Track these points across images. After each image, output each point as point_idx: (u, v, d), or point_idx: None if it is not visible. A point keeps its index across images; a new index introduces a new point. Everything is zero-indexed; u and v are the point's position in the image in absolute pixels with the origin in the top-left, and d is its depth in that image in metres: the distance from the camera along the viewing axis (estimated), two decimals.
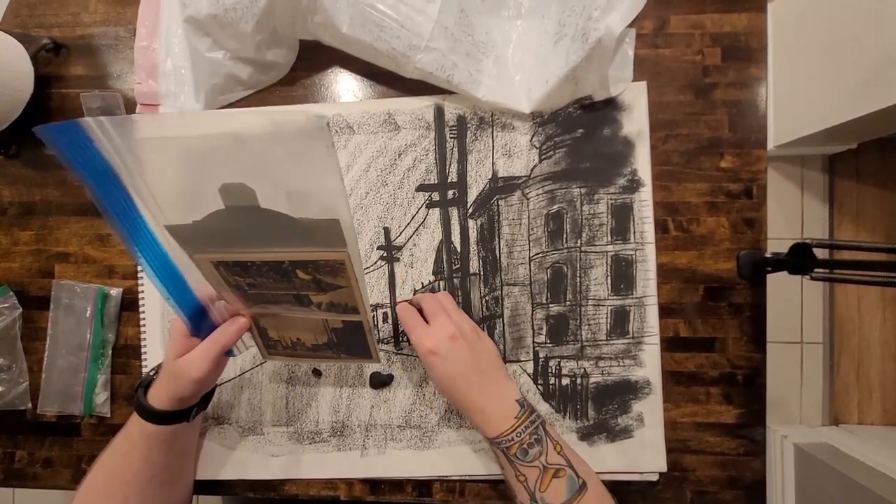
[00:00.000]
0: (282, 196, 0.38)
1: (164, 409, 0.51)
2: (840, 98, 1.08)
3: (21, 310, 0.67)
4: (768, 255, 0.57)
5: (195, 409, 0.53)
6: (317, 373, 0.63)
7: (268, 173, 0.37)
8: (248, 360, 0.64)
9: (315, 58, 0.65)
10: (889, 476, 1.03)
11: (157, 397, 0.51)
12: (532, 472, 0.49)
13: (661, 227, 0.61)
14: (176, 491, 0.58)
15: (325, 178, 0.36)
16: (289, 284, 0.45)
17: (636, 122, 0.60)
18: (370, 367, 0.63)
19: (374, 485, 0.63)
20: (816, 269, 0.52)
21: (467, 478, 0.61)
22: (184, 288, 0.46)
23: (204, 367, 0.48)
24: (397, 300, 0.62)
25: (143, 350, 0.65)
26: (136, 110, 0.65)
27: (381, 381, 0.63)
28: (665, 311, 0.60)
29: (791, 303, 1.41)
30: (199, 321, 0.49)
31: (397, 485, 0.62)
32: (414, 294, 0.63)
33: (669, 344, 0.60)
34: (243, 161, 0.37)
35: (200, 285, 0.47)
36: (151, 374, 0.54)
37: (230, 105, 0.65)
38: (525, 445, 0.49)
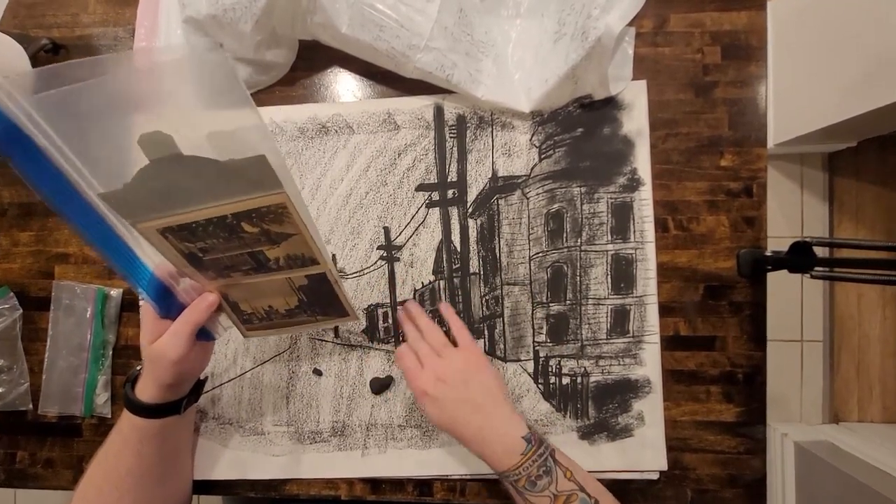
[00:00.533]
0: (202, 140, 0.37)
1: (153, 403, 0.50)
2: (840, 96, 1.08)
3: (21, 311, 0.67)
4: (768, 253, 0.57)
5: (185, 402, 0.53)
6: (317, 372, 0.63)
7: (182, 116, 0.36)
8: (249, 359, 0.64)
9: (315, 58, 0.65)
10: (889, 474, 1.03)
11: (144, 390, 0.50)
12: (542, 500, 0.48)
13: (661, 226, 0.61)
14: (171, 488, 0.58)
15: (238, 112, 0.36)
16: (239, 242, 0.44)
17: (636, 121, 0.60)
18: (371, 371, 0.63)
19: (375, 484, 0.63)
20: (816, 268, 0.52)
21: (468, 477, 0.61)
22: (140, 267, 0.45)
23: (179, 347, 0.47)
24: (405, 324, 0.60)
25: None
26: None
27: (381, 385, 0.63)
28: (665, 310, 0.60)
29: (791, 301, 1.41)
30: (167, 302, 0.48)
31: (398, 484, 0.62)
32: (414, 294, 0.63)
33: (670, 342, 0.61)
34: (154, 108, 0.36)
35: (159, 263, 0.46)
36: (138, 368, 0.53)
37: None
38: (533, 478, 0.48)
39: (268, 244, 0.45)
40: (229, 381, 0.64)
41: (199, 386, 0.56)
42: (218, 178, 0.38)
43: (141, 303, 0.49)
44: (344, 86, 0.65)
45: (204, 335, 0.51)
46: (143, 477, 0.53)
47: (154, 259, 0.45)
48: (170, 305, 0.48)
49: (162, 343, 0.48)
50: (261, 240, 0.44)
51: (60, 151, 0.38)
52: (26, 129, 0.36)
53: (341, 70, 0.65)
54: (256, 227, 0.42)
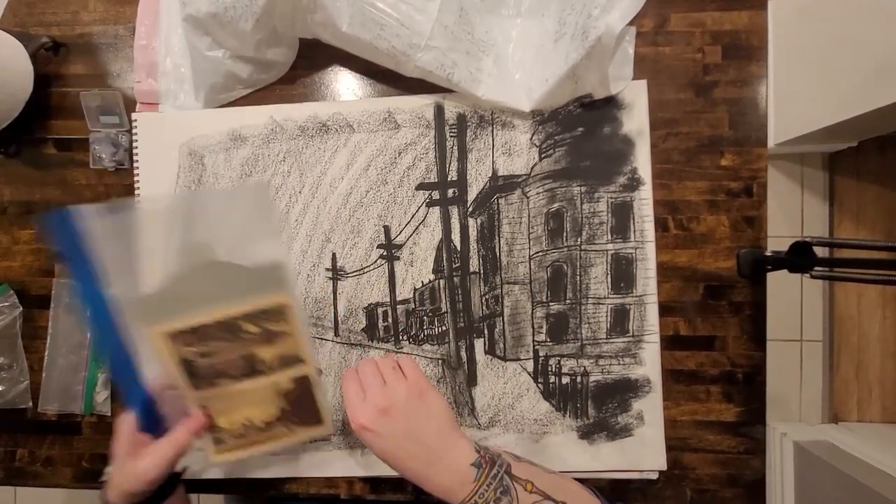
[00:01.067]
0: (235, 249, 0.45)
1: None
2: (840, 96, 1.07)
3: (21, 309, 0.67)
4: (768, 253, 0.57)
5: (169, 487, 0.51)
6: (318, 372, 0.63)
7: (223, 231, 0.45)
8: None
9: (315, 56, 0.65)
10: (888, 474, 1.03)
11: (115, 495, 0.48)
12: None
13: (661, 226, 0.61)
14: None
15: (265, 227, 0.45)
16: (238, 343, 0.48)
17: (636, 121, 0.60)
18: None
19: (374, 483, 0.63)
20: (816, 268, 0.52)
21: None
22: (136, 379, 0.48)
23: (161, 469, 0.47)
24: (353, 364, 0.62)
25: None
26: (136, 109, 0.65)
27: None
28: (665, 310, 0.60)
29: (791, 301, 1.41)
30: (149, 417, 0.50)
31: (398, 483, 0.62)
32: (413, 293, 0.63)
33: (669, 342, 0.60)
34: (199, 224, 0.45)
35: (151, 373, 0.48)
36: (104, 479, 0.51)
37: (230, 104, 0.65)
38: (492, 503, 0.45)
39: (264, 342, 0.49)
40: None
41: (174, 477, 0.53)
42: (240, 283, 0.46)
43: (121, 419, 0.51)
44: (344, 84, 0.65)
45: None
46: None
47: (146, 366, 0.48)
48: (151, 421, 0.50)
49: (144, 464, 0.47)
50: (259, 339, 0.48)
51: (104, 264, 0.44)
52: (89, 247, 0.44)
53: (342, 69, 0.65)
54: (258, 328, 0.48)
